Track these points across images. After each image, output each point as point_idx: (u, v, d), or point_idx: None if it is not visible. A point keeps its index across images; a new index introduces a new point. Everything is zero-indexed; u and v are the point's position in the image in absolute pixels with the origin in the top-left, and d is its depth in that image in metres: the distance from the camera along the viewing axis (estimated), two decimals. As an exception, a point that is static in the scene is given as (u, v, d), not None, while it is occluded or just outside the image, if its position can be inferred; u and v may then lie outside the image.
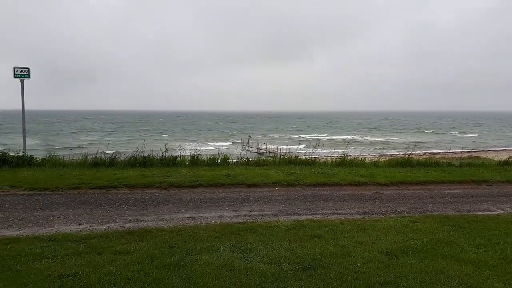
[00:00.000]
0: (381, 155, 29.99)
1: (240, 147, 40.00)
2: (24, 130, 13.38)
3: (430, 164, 14.39)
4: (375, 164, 14.29)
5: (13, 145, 14.80)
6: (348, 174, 11.71)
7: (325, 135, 78.14)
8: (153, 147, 15.85)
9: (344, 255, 5.03)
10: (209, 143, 55.56)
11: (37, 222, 6.64)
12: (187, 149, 15.93)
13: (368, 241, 5.69)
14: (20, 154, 12.04)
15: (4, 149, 12.43)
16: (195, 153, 13.77)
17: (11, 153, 11.96)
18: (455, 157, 27.73)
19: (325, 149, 17.25)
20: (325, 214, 7.55)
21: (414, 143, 30.10)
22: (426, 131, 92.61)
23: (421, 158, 15.82)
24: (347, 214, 7.66)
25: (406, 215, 7.61)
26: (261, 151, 40.11)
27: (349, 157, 14.78)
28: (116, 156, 12.74)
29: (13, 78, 12.45)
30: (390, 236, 5.97)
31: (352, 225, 6.54)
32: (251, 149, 43.37)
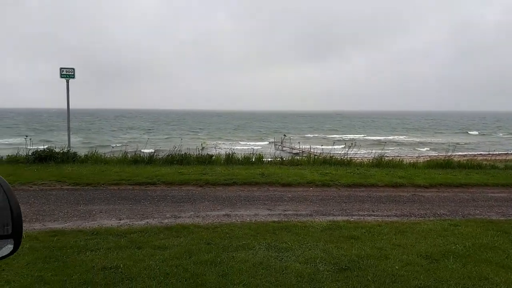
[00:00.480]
0: (419, 156, 29.07)
1: (274, 146, 40.00)
2: (69, 128, 14.03)
3: (472, 166, 13.80)
4: (414, 165, 13.88)
5: (57, 142, 15.55)
6: (385, 175, 11.46)
7: (362, 135, 76.30)
8: (190, 145, 16.17)
9: (382, 258, 4.94)
10: (244, 142, 55.88)
11: (81, 216, 6.95)
12: (222, 147, 16.15)
13: (407, 243, 5.54)
14: (64, 151, 12.64)
15: (50, 146, 13.09)
16: (230, 152, 13.94)
17: (57, 150, 12.58)
18: (499, 159, 26.44)
19: (361, 149, 16.96)
20: (361, 216, 7.43)
21: (455, 144, 28.93)
22: (469, 132, 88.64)
23: (462, 160, 15.20)
24: (385, 216, 7.50)
25: (446, 218, 7.35)
26: (295, 151, 39.92)
27: (387, 158, 14.45)
28: (155, 154, 13.13)
29: (59, 78, 13.09)
30: (430, 239, 5.79)
31: (390, 227, 6.40)
32: (284, 148, 43.25)
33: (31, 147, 13.02)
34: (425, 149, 51.45)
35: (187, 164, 12.65)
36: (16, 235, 1.47)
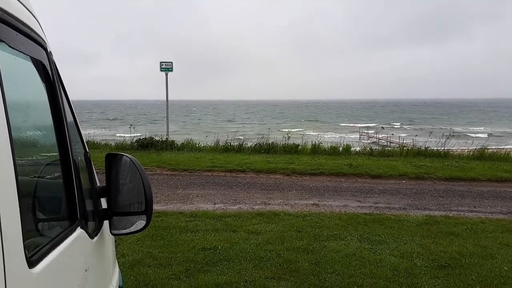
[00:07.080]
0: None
1: (361, 137, 38.76)
2: (167, 118, 15.14)
3: None
4: (524, 158, 12.46)
5: (156, 131, 16.84)
6: (488, 168, 10.50)
7: (480, 127, 64.97)
8: (276, 134, 16.43)
9: (487, 257, 4.58)
10: (330, 132, 54.90)
11: (180, 199, 7.51)
12: (308, 137, 16.14)
13: (517, 244, 5.05)
14: (163, 139, 13.69)
15: (151, 135, 14.27)
16: (316, 142, 13.88)
17: (157, 138, 13.67)
18: None
19: (460, 140, 15.68)
20: (461, 211, 6.93)
21: None
22: None
23: None
24: (488, 212, 6.90)
25: None
26: (386, 142, 38.12)
27: (490, 150, 13.17)
28: (244, 143, 13.61)
29: (159, 72, 14.14)
30: (545, 241, 5.20)
31: (495, 225, 5.89)
32: (370, 138, 41.57)
33: (134, 135, 14.28)
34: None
35: (274, 153, 12.89)
36: (148, 212, 1.67)
